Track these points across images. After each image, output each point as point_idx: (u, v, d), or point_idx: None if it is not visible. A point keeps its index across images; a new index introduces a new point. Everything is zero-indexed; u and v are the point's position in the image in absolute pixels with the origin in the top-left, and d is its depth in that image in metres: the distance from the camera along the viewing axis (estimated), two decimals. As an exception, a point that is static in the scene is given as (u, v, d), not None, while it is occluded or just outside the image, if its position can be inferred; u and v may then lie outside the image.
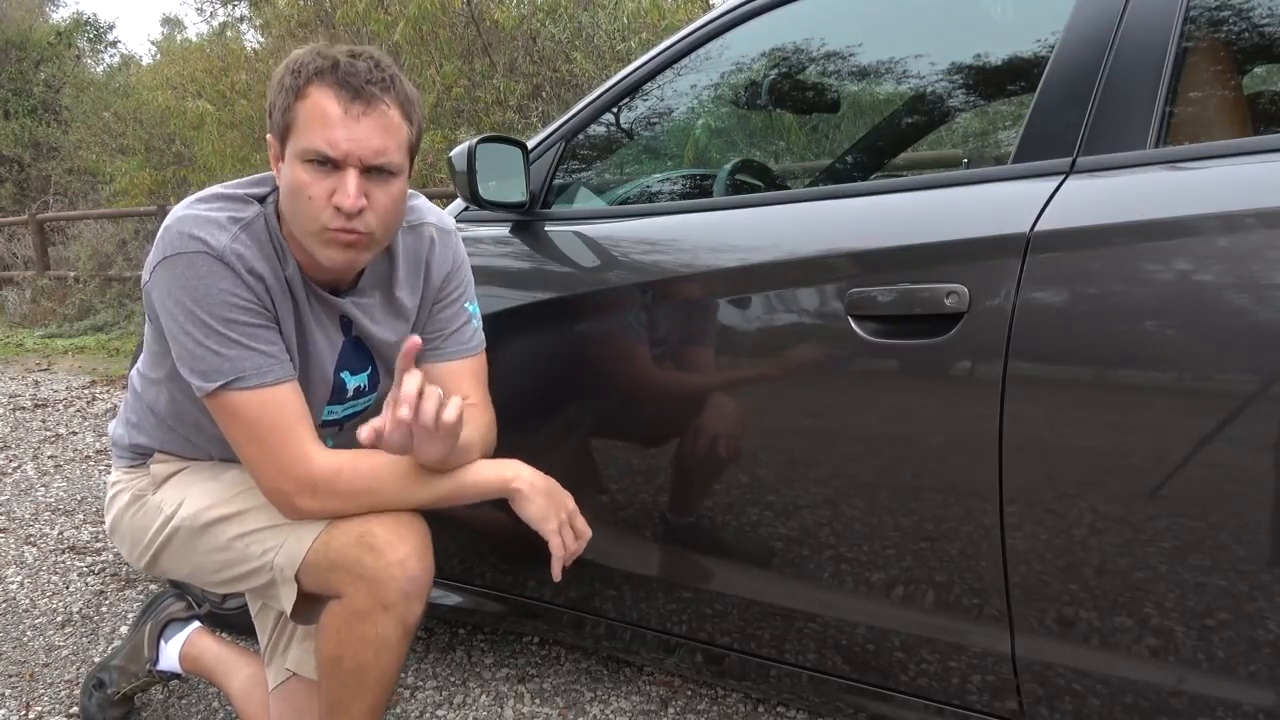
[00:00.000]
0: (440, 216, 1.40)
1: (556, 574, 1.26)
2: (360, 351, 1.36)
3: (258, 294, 1.19)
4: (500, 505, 1.30)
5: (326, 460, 1.20)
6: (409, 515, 1.23)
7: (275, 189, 1.24)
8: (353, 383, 1.36)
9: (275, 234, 1.23)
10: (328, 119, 1.12)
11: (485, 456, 1.32)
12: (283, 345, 1.22)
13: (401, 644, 1.22)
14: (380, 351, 1.37)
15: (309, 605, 1.26)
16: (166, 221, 1.19)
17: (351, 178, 1.14)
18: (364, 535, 1.19)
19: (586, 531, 1.30)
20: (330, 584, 1.22)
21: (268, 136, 1.20)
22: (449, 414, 1.11)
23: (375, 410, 1.45)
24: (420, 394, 1.09)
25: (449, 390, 1.36)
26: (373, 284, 1.33)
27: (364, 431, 1.10)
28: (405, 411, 1.08)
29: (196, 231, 1.16)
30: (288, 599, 1.25)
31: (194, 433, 1.35)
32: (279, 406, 1.19)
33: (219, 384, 1.17)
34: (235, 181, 1.27)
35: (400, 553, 1.19)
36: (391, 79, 1.16)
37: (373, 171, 1.15)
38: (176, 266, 1.16)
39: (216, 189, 1.24)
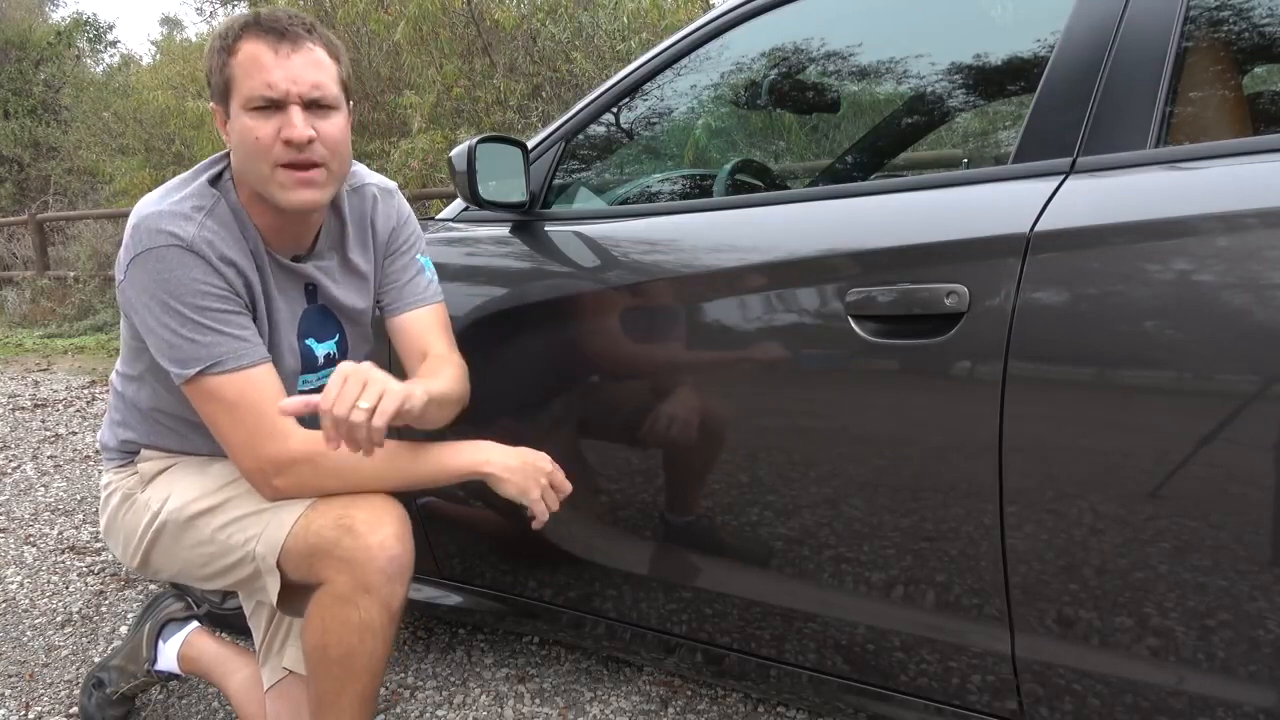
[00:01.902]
0: (380, 179, 1.47)
1: (541, 519, 1.29)
2: (326, 318, 1.39)
3: (229, 279, 1.23)
4: (499, 505, 1.30)
5: (303, 438, 1.23)
6: (386, 498, 1.26)
7: (227, 164, 1.30)
8: (321, 350, 1.39)
9: (237, 208, 1.27)
10: (262, 64, 1.19)
11: (461, 404, 1.36)
12: (255, 329, 1.26)
13: (387, 629, 1.23)
14: (347, 315, 1.41)
15: (296, 597, 1.27)
16: (132, 220, 1.23)
17: (295, 112, 1.20)
18: (342, 518, 1.21)
19: (566, 486, 1.33)
20: (312, 570, 1.23)
21: (210, 105, 1.27)
22: (357, 417, 1.09)
23: None
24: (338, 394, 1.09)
25: (416, 341, 1.42)
26: (329, 245, 1.38)
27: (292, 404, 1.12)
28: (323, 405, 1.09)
29: (164, 225, 1.21)
30: (272, 588, 1.26)
31: (178, 423, 1.36)
32: (255, 388, 1.22)
33: (197, 370, 1.21)
34: (188, 172, 1.31)
35: (379, 534, 1.20)
36: (312, 24, 1.24)
37: (313, 106, 1.22)
38: (149, 262, 1.20)
39: (174, 181, 1.29)
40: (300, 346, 1.36)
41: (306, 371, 1.38)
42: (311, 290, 1.36)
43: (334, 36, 1.29)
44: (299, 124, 1.19)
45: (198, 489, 1.33)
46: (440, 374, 1.34)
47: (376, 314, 1.47)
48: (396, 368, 1.45)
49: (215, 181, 1.28)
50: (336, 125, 1.24)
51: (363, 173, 1.45)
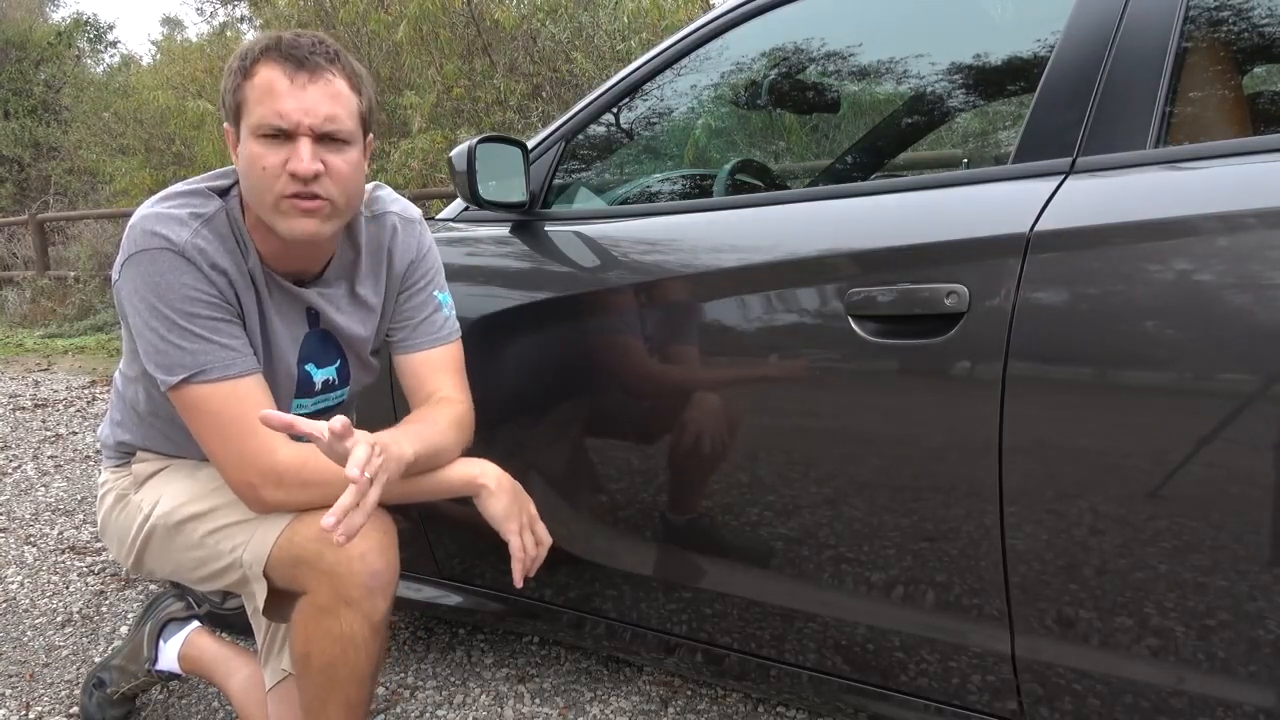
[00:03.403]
0: (404, 206, 1.42)
1: (518, 579, 1.27)
2: (328, 344, 1.36)
3: (220, 288, 1.20)
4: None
5: (292, 451, 1.21)
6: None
7: (237, 181, 1.26)
8: (320, 375, 1.36)
9: (238, 226, 1.24)
10: (275, 91, 1.15)
11: (463, 448, 1.33)
12: (246, 339, 1.23)
13: (370, 641, 1.22)
14: (351, 344, 1.38)
15: (286, 603, 1.27)
16: (131, 220, 1.21)
17: (304, 144, 1.16)
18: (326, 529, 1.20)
19: (547, 538, 1.31)
20: (296, 580, 1.22)
21: (224, 126, 1.23)
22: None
23: (349, 405, 1.46)
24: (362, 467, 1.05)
25: (424, 382, 1.39)
26: (338, 275, 1.34)
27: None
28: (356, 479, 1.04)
29: (158, 229, 1.18)
30: (260, 595, 1.26)
31: (171, 428, 1.35)
32: (241, 400, 1.20)
33: (181, 377, 1.19)
34: (198, 177, 1.29)
35: (361, 547, 1.19)
36: (336, 53, 1.19)
37: (325, 140, 1.18)
38: (140, 264, 1.18)
39: (179, 186, 1.26)
40: (299, 371, 1.33)
41: (302, 396, 1.36)
42: (313, 315, 1.33)
43: (361, 67, 1.24)
44: (306, 157, 1.15)
45: (187, 493, 1.33)
46: (435, 421, 1.30)
47: (386, 340, 1.43)
48: (399, 385, 1.44)
49: (224, 194, 1.25)
50: (348, 161, 1.20)
51: (385, 199, 1.40)
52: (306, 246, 1.25)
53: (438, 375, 1.39)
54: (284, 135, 1.16)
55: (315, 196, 1.18)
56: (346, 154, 1.20)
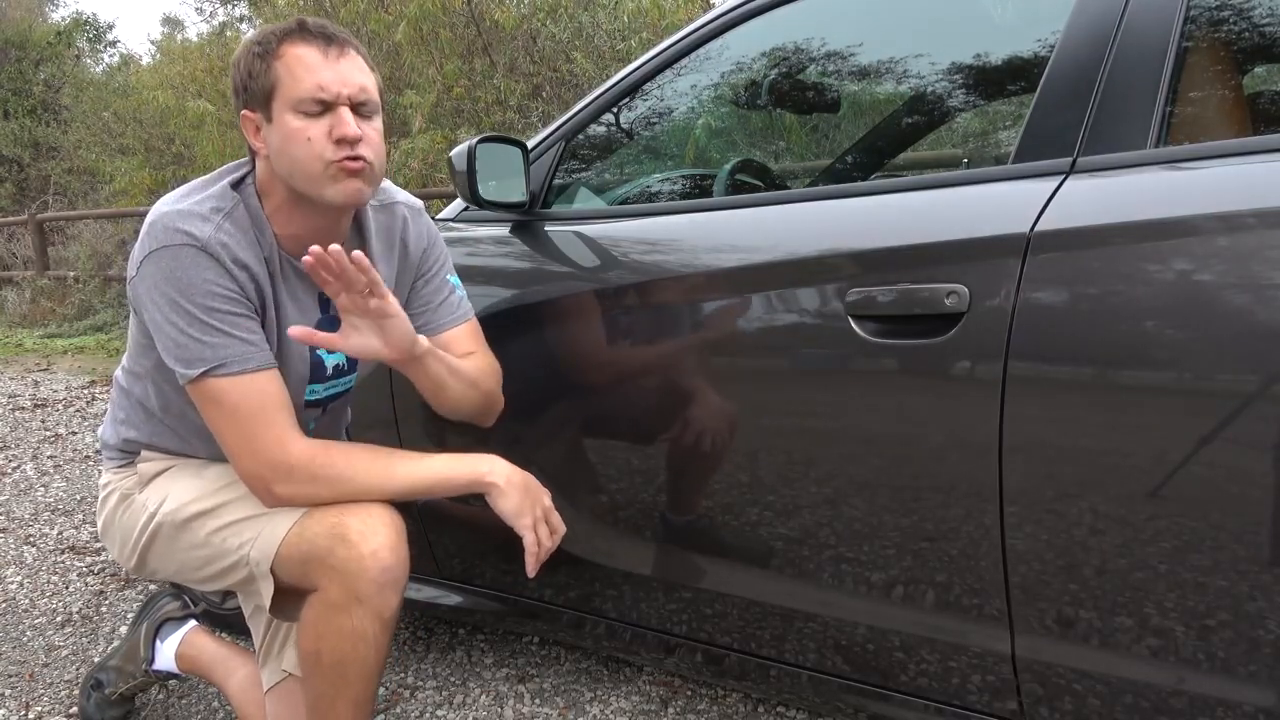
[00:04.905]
0: (408, 197, 1.47)
1: (531, 570, 1.28)
2: (339, 328, 1.37)
3: (240, 282, 1.23)
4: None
5: (304, 446, 1.23)
6: (382, 507, 1.25)
7: (250, 170, 1.30)
8: (331, 360, 1.38)
9: (255, 213, 1.27)
10: (312, 67, 1.20)
11: (490, 398, 1.39)
12: (263, 335, 1.26)
13: (380, 637, 1.23)
14: None
15: (290, 601, 1.27)
16: (150, 217, 1.23)
17: (345, 112, 1.21)
18: (336, 526, 1.21)
19: (561, 528, 1.32)
20: (305, 576, 1.23)
21: (243, 113, 1.26)
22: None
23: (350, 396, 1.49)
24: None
25: (452, 353, 1.43)
26: None
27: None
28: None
29: (181, 224, 1.21)
30: (266, 592, 1.26)
31: (180, 424, 1.36)
32: (259, 393, 1.22)
33: (201, 370, 1.21)
34: (210, 174, 1.32)
35: (373, 544, 1.20)
36: (347, 35, 1.26)
37: (358, 109, 1.23)
38: (163, 259, 1.20)
39: (196, 182, 1.30)
40: (311, 356, 1.35)
41: (315, 381, 1.38)
42: (325, 300, 1.35)
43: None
44: (351, 122, 1.21)
45: (194, 491, 1.34)
46: (466, 362, 1.38)
47: None
48: (399, 383, 1.45)
49: (237, 185, 1.28)
50: (378, 130, 1.26)
51: (391, 189, 1.45)
52: (329, 227, 1.29)
53: (463, 344, 1.44)
54: (324, 107, 1.21)
55: (359, 158, 1.23)
56: (375, 123, 1.26)
